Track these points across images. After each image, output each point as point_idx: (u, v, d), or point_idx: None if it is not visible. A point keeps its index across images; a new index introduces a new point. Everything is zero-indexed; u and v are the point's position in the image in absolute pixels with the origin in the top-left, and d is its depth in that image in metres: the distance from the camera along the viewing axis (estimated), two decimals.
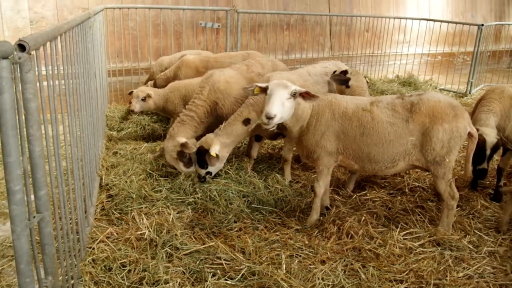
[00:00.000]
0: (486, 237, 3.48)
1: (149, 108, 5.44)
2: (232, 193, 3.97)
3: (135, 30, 7.51)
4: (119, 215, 3.69)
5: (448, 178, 3.41)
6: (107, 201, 3.92)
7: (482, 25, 8.86)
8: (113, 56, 7.46)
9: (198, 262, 3.06)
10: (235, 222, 3.65)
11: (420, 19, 10.26)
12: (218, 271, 2.97)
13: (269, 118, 3.10)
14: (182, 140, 4.25)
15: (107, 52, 6.91)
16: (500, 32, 12.88)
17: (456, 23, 10.11)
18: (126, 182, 4.11)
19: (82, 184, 3.19)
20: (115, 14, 7.21)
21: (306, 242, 3.36)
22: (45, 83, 2.28)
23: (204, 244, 3.28)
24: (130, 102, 5.55)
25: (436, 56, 11.31)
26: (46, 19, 7.03)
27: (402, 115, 3.38)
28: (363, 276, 2.96)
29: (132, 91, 5.49)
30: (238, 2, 8.91)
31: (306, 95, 3.30)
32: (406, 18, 10.37)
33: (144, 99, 5.31)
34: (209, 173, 4.18)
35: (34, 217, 2.04)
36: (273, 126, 3.27)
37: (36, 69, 2.05)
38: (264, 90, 3.34)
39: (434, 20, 10.29)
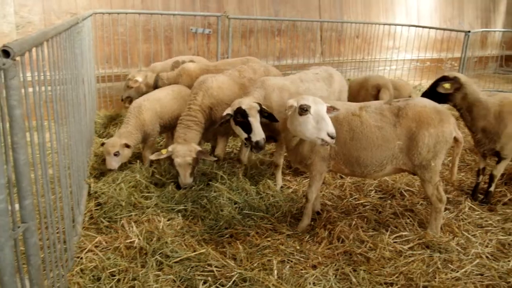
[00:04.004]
0: (473, 239, 3.52)
1: (128, 156, 4.62)
2: (223, 199, 3.94)
3: (125, 35, 7.48)
4: (108, 223, 3.65)
5: (435, 182, 3.45)
6: (95, 209, 3.86)
7: (469, 31, 9.02)
8: (102, 62, 7.41)
9: (189, 269, 3.03)
10: (226, 228, 3.63)
11: (409, 26, 10.40)
12: (209, 278, 2.94)
13: (334, 137, 3.12)
14: (198, 147, 4.26)
15: (96, 58, 6.87)
16: (486, 38, 13.12)
17: (444, 29, 10.26)
18: (115, 189, 4.06)
19: (69, 192, 3.14)
20: (104, 19, 7.18)
21: (298, 247, 3.36)
22: (31, 89, 2.25)
23: (195, 251, 3.25)
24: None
25: (425, 62, 11.47)
26: (33, 24, 6.94)
27: (390, 120, 3.41)
28: (354, 280, 2.97)
29: (103, 143, 4.58)
30: (229, 8, 8.94)
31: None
32: (396, 25, 10.51)
33: (117, 154, 4.43)
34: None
35: (19, 227, 2.01)
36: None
37: (21, 75, 2.02)
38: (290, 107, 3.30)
39: (423, 27, 10.44)
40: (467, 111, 4.13)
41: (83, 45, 4.61)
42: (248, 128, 3.80)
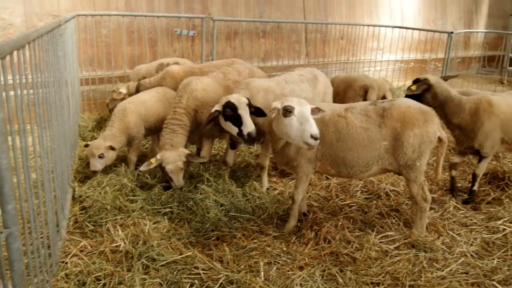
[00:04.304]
0: (458, 238, 3.58)
1: (112, 158, 4.56)
2: (209, 202, 3.93)
3: (109, 37, 7.39)
4: (93, 227, 3.60)
5: (420, 182, 3.50)
6: (80, 214, 3.81)
7: (452, 32, 9.20)
8: (86, 65, 7.31)
9: (175, 272, 3.02)
10: (212, 231, 3.62)
11: (393, 27, 10.55)
12: (196, 281, 2.93)
13: (318, 138, 3.11)
14: (187, 151, 4.26)
15: (79, 60, 6.77)
16: (469, 39, 13.39)
17: (427, 30, 10.43)
18: (100, 193, 4.01)
19: (53, 196, 3.09)
20: (88, 21, 7.08)
21: (284, 249, 3.37)
22: (12, 93, 2.21)
23: (181, 254, 3.23)
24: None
25: (409, 63, 11.64)
26: (14, 26, 6.80)
27: (375, 121, 3.45)
28: (340, 280, 2.99)
29: (87, 144, 4.49)
30: (214, 9, 8.92)
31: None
32: (380, 26, 10.65)
33: (101, 156, 4.38)
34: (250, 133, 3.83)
35: (1, 232, 1.97)
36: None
37: (2, 78, 1.98)
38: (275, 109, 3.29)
39: (407, 28, 10.60)
40: (440, 109, 4.28)
41: (66, 48, 4.55)
42: (238, 121, 3.83)
